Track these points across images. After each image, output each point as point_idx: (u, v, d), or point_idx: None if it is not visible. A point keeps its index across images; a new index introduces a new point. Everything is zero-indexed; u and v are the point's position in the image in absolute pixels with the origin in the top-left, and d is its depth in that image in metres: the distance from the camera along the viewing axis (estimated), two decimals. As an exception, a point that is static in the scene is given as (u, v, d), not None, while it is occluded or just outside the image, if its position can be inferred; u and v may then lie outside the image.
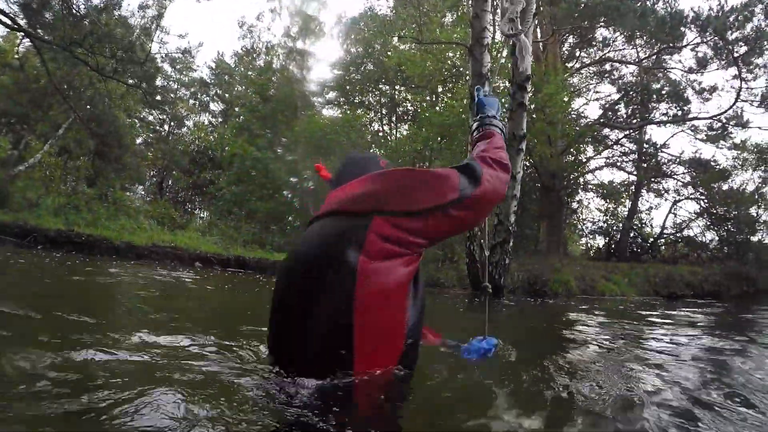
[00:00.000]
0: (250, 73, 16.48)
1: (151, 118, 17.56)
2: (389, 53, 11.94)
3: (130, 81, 11.50)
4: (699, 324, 4.71)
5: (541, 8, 10.22)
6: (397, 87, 12.90)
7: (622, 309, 6.10)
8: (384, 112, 13.52)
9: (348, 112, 13.27)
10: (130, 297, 3.45)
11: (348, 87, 13.54)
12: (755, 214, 12.77)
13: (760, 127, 13.12)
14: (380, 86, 13.25)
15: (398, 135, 13.06)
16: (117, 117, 12.62)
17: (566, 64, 13.39)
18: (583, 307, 6.05)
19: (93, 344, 1.59)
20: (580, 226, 15.07)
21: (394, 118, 13.47)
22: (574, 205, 14.78)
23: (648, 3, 12.45)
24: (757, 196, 12.81)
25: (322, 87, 14.54)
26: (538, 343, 2.91)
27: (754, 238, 12.72)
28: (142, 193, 16.63)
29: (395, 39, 11.55)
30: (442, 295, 6.65)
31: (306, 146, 11.67)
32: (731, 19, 12.03)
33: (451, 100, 10.20)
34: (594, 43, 13.94)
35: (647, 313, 5.69)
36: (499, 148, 1.49)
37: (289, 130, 13.20)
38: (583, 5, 11.24)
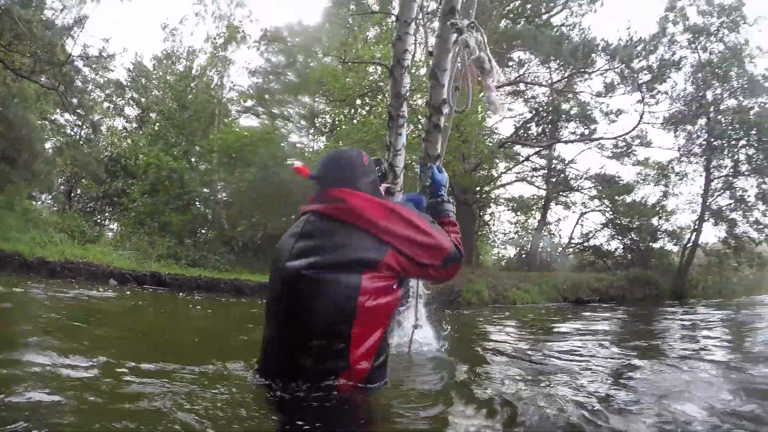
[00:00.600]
0: (169, 77, 15.68)
1: (62, 120, 16.31)
2: (312, 64, 11.87)
3: (45, 81, 10.77)
4: (601, 329, 5.17)
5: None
6: (317, 99, 12.82)
7: (532, 317, 6.49)
8: (303, 123, 13.36)
9: (266, 122, 13.08)
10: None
11: (267, 96, 13.25)
12: (656, 224, 14.18)
13: (660, 147, 14.66)
14: (299, 97, 13.10)
15: (316, 147, 13.04)
16: (29, 121, 11.62)
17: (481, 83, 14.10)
18: (496, 316, 6.38)
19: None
20: (491, 238, 15.96)
21: (312, 130, 13.37)
22: (486, 217, 15.66)
23: (564, 30, 13.60)
24: (658, 208, 14.21)
25: (241, 95, 14.20)
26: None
27: (656, 245, 14.12)
28: (50, 202, 15.45)
29: (319, 53, 11.55)
30: None
31: (221, 156, 11.37)
32: (638, 49, 13.41)
33: (368, 116, 10.41)
34: (510, 63, 14.78)
35: (555, 318, 6.14)
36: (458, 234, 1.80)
37: (205, 138, 12.79)
38: (502, 32, 12.01)
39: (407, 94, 6.99)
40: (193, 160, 12.60)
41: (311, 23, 13.86)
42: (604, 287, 11.33)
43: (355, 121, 11.68)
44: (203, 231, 11.80)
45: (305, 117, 13.23)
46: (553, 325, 5.48)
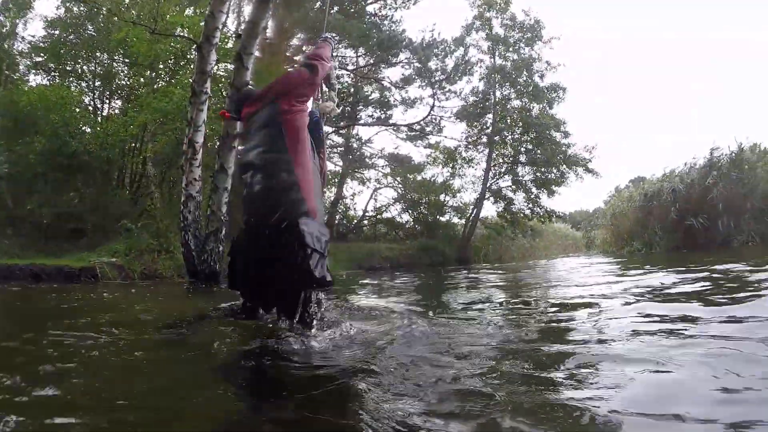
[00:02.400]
0: None
1: None
2: (115, 18, 11.00)
3: None
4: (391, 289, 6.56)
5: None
6: (116, 58, 11.97)
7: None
8: (97, 83, 12.30)
9: (57, 80, 11.81)
10: None
11: (62, 51, 11.79)
12: (443, 200, 16.85)
13: (447, 137, 17.36)
14: (97, 54, 12.07)
15: (110, 111, 12.30)
16: None
17: (292, 61, 14.99)
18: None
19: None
20: None
21: (107, 93, 12.47)
22: None
23: (377, 20, 15.02)
24: (444, 187, 16.90)
25: (32, 47, 12.42)
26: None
27: (443, 219, 16.87)
28: None
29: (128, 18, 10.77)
30: (163, 285, 7.07)
31: (5, 121, 10.10)
32: (438, 50, 15.53)
33: (171, 86, 10.35)
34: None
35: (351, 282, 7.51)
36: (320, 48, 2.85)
37: None
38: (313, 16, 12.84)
39: (212, 71, 7.39)
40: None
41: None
42: (395, 255, 13.38)
43: (155, 87, 11.36)
44: None
45: (101, 76, 12.24)
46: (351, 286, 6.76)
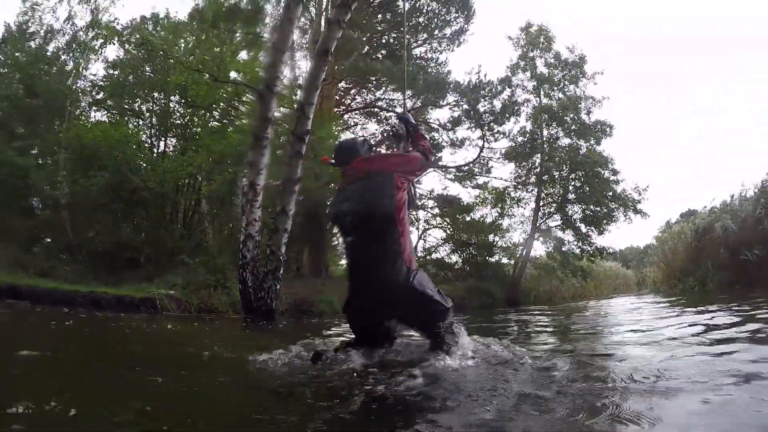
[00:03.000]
0: (18, 54, 13.38)
1: None
2: (172, 60, 11.52)
3: None
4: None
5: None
6: (172, 98, 12.53)
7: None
8: (154, 121, 12.88)
9: (117, 117, 12.48)
10: None
11: (121, 89, 12.54)
12: (492, 240, 16.52)
13: (495, 177, 17.41)
14: (154, 94, 12.70)
15: (165, 148, 12.81)
16: None
17: (340, 104, 15.47)
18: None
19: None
20: (340, 249, 16.84)
21: (163, 130, 12.96)
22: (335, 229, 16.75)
23: (423, 63, 15.42)
24: (493, 227, 16.61)
25: (94, 85, 13.29)
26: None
27: (492, 259, 16.48)
28: None
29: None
30: (220, 319, 7.15)
31: (72, 154, 10.65)
32: (484, 92, 15.70)
33: (226, 126, 10.67)
34: (368, 86, 16.29)
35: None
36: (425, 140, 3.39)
37: (50, 132, 11.75)
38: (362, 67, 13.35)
39: (273, 117, 7.66)
40: (37, 156, 11.46)
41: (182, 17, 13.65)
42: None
43: (210, 126, 11.88)
44: (45, 238, 10.73)
45: (157, 115, 12.79)
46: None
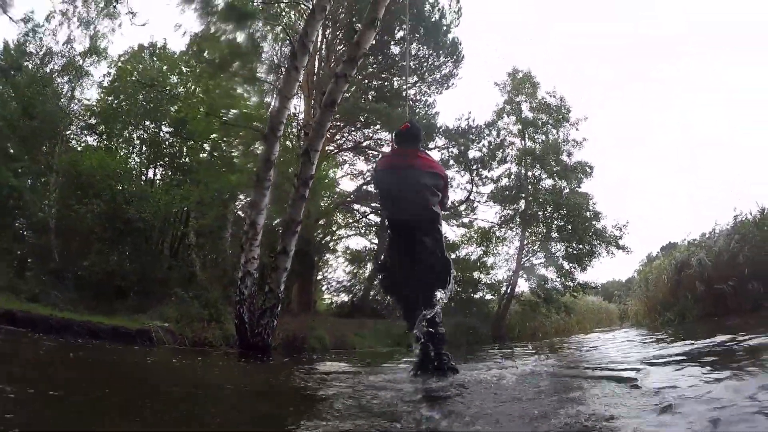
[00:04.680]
0: (13, 72, 13.18)
1: None
2: (167, 90, 11.81)
3: None
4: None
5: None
6: (163, 128, 12.84)
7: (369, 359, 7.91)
8: (143, 149, 13.10)
9: (106, 141, 12.72)
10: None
11: (113, 115, 12.76)
12: (477, 277, 17.08)
13: (480, 219, 18.09)
14: (146, 122, 12.93)
15: (154, 176, 13.05)
16: None
17: (331, 141, 16.11)
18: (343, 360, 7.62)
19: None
20: (326, 285, 17.54)
21: (152, 157, 13.17)
22: (323, 266, 17.12)
23: (412, 104, 16.20)
24: (479, 264, 17.22)
25: (85, 108, 13.39)
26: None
27: (477, 296, 16.96)
28: None
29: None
30: (215, 353, 7.39)
31: (66, 179, 10.83)
32: (471, 135, 16.48)
33: (232, 174, 11.04)
34: (357, 124, 17.01)
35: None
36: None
37: (43, 155, 11.85)
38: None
39: (275, 160, 8.03)
40: (28, 179, 11.44)
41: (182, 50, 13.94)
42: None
43: (202, 157, 12.29)
44: (33, 262, 10.74)
45: (146, 143, 13.02)
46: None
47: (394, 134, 4.20)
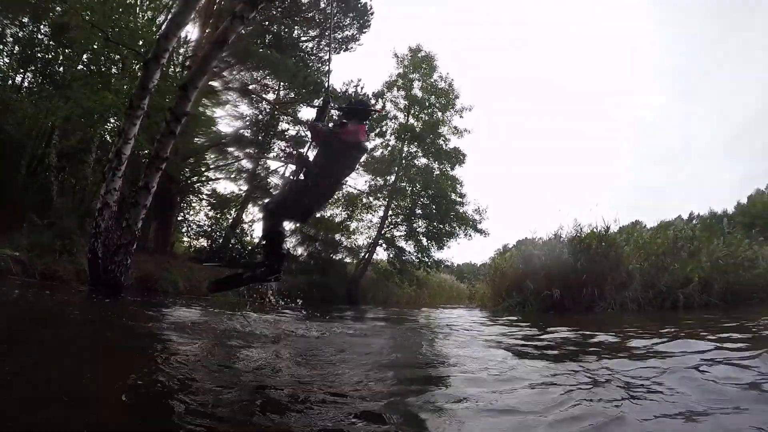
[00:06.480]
0: None
1: None
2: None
3: None
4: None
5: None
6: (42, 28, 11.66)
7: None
8: (16, 49, 11.72)
9: None
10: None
11: None
12: (339, 239, 18.73)
13: (349, 185, 18.90)
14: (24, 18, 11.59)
15: (23, 84, 12.01)
16: None
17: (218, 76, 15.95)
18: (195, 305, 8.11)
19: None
20: (186, 228, 16.99)
21: (22, 61, 11.77)
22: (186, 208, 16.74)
23: (304, 56, 16.59)
24: (341, 227, 18.82)
25: None
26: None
27: (336, 257, 18.69)
28: None
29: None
30: (68, 288, 7.26)
31: None
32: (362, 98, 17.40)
33: (107, 93, 10.53)
34: (248, 66, 16.83)
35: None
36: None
37: None
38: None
39: (153, 89, 7.72)
40: None
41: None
42: (286, 288, 14.57)
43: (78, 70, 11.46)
44: None
45: (21, 42, 11.67)
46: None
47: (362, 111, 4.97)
